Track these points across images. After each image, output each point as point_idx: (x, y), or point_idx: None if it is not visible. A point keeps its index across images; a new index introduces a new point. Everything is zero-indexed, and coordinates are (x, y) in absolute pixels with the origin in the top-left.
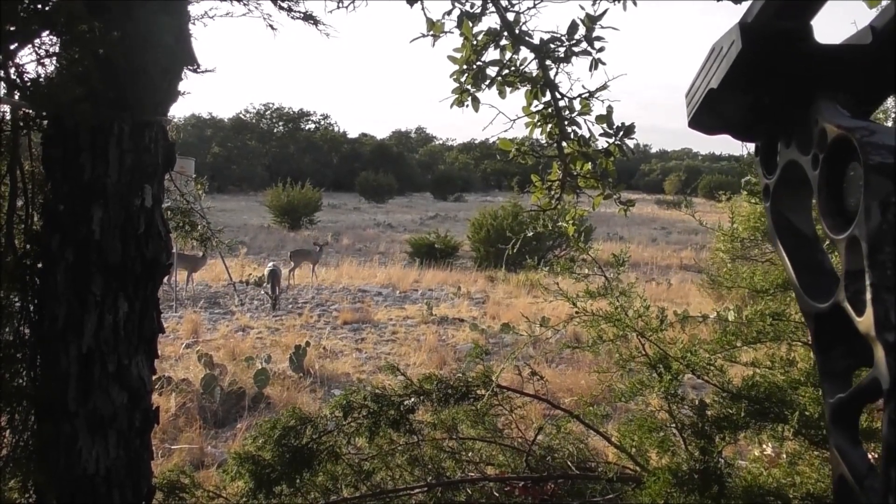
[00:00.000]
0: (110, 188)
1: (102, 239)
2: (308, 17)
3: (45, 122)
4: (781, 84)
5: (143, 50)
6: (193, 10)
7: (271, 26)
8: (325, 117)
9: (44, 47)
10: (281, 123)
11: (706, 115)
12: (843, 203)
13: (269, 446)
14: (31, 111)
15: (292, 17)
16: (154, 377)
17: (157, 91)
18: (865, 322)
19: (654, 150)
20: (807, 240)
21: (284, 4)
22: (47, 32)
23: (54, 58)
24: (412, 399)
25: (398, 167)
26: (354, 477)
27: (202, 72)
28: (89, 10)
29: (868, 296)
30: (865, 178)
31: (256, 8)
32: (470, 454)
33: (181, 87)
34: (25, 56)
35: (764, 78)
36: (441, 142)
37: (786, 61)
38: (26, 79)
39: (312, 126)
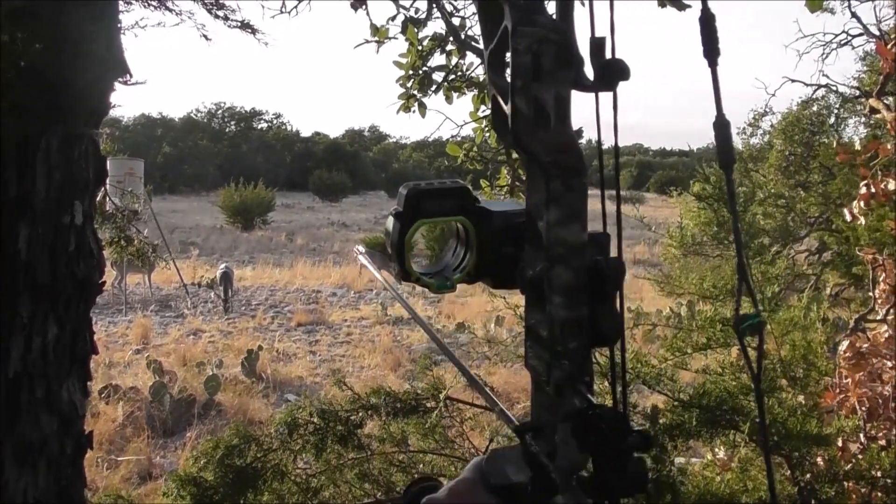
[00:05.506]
0: (38, 205)
1: (29, 258)
2: (246, 26)
3: None
4: None
5: (73, 59)
6: (125, 19)
7: (205, 37)
8: (278, 116)
9: None
10: (233, 123)
11: None
12: None
13: (212, 467)
14: None
15: (229, 27)
16: (98, 388)
17: (87, 102)
18: None
19: (604, 147)
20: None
21: (220, 13)
22: None
23: None
24: (360, 414)
25: (352, 166)
26: (301, 495)
27: (133, 83)
28: (11, 20)
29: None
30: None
31: (190, 17)
32: (421, 467)
33: (113, 98)
34: None
35: None
36: (395, 140)
37: None
38: None
39: (265, 125)
